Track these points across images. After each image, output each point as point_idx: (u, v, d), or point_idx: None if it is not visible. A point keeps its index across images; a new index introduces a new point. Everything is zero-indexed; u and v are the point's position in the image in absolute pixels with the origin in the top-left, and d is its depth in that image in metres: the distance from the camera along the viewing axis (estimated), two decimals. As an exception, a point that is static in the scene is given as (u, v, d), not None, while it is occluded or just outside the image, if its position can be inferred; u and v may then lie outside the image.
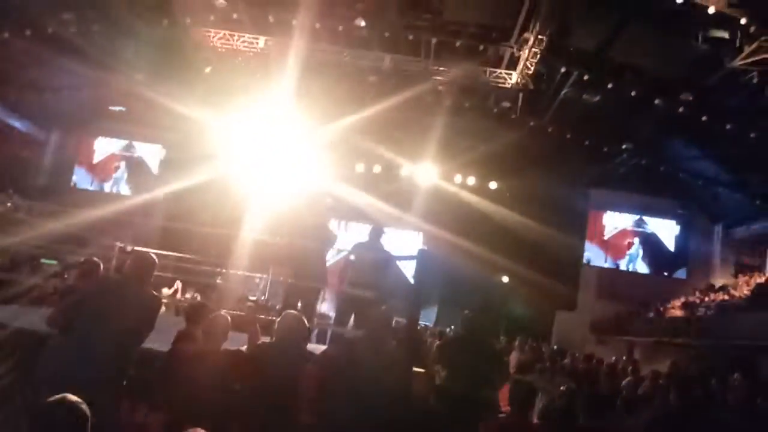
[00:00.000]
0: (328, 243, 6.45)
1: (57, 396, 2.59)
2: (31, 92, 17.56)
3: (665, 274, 20.43)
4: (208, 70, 17.09)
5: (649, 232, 20.86)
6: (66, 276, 8.44)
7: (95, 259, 5.80)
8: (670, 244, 20.67)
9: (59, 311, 3.83)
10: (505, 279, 20.18)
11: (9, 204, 16.56)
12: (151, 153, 21.75)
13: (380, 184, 19.17)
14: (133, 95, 19.07)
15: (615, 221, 21.03)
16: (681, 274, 20.37)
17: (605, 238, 20.98)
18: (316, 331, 12.03)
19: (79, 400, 2.59)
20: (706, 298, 16.84)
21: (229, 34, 15.33)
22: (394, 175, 19.56)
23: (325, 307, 16.14)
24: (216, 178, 20.12)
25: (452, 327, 15.68)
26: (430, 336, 11.38)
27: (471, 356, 5.13)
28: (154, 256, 4.16)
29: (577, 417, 4.01)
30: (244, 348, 4.24)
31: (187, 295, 12.78)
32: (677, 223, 20.60)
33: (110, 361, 3.55)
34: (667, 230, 20.76)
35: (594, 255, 20.90)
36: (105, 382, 3.45)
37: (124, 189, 21.61)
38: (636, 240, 20.83)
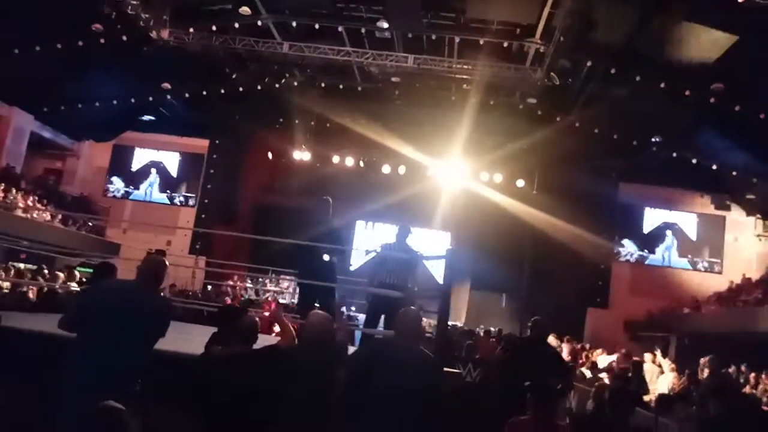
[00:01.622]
0: (336, 241, 6.36)
1: (104, 402, 2.65)
2: (63, 104, 17.97)
3: (698, 265, 20.11)
4: (234, 76, 17.32)
5: (675, 223, 20.68)
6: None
7: (110, 262, 5.92)
8: (693, 235, 20.54)
9: (68, 314, 3.86)
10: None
11: (45, 214, 17.01)
12: (170, 159, 22.27)
13: (407, 184, 19.12)
14: (162, 104, 19.47)
15: (653, 217, 20.80)
16: (716, 267, 19.99)
17: (645, 232, 20.75)
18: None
19: (122, 407, 2.64)
20: (744, 292, 16.44)
21: (254, 41, 15.49)
22: (421, 174, 19.51)
23: (353, 308, 16.21)
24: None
25: (482, 326, 15.60)
26: (459, 336, 11.35)
27: (538, 361, 5.14)
28: (165, 259, 4.10)
29: (608, 416, 3.95)
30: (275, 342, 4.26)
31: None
32: (697, 216, 20.46)
33: (121, 364, 3.55)
34: (689, 222, 20.64)
35: (632, 251, 20.67)
36: (118, 384, 3.45)
37: (157, 196, 22.07)
38: (668, 232, 20.57)
